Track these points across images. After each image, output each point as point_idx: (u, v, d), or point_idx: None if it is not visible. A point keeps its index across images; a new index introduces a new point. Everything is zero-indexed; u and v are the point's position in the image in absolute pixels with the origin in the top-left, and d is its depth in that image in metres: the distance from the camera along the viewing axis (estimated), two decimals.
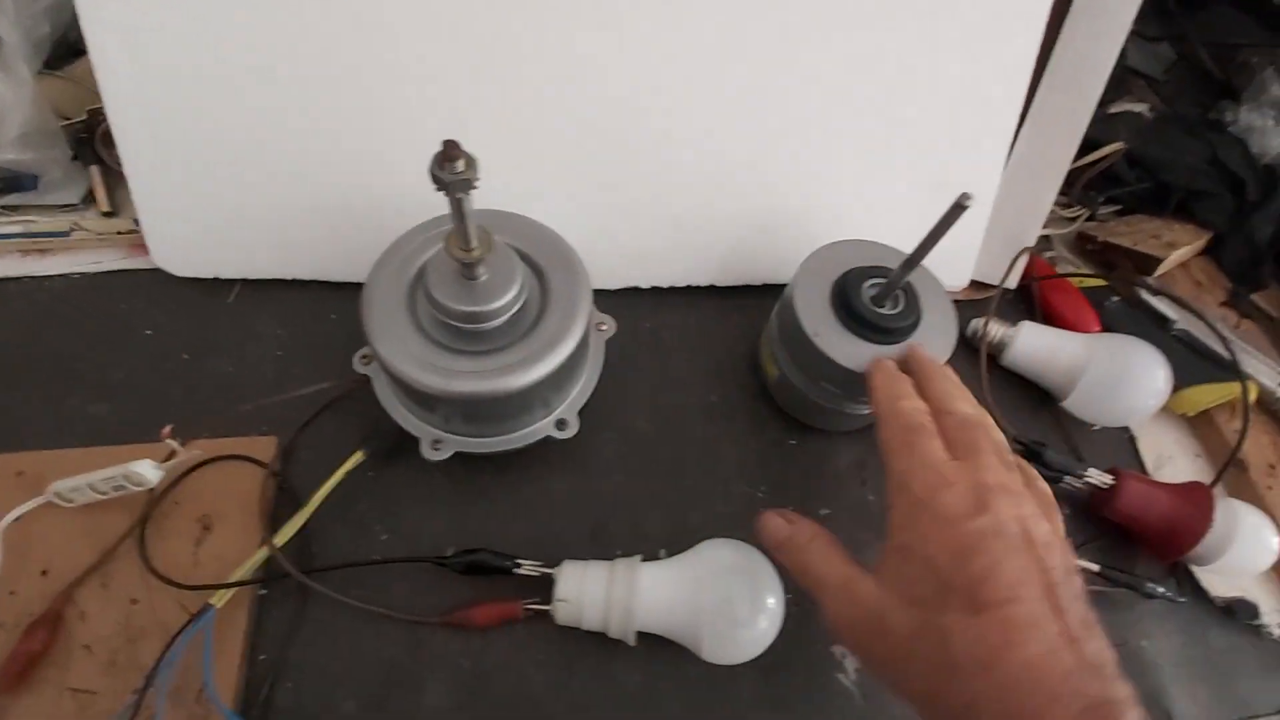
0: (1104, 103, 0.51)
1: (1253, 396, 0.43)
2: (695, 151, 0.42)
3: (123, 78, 0.38)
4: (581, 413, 0.38)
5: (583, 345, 0.35)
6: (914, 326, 0.36)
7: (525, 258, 0.35)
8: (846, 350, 0.35)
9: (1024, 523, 0.25)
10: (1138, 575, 0.37)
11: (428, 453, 0.35)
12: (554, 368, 0.33)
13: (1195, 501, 0.37)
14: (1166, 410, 0.45)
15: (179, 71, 0.38)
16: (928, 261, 0.38)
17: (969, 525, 0.24)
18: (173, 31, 0.37)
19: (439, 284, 0.32)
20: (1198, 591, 0.40)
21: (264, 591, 0.35)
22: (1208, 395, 0.43)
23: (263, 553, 0.33)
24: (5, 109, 0.38)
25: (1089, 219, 0.52)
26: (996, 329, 0.44)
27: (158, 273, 0.43)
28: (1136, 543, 0.40)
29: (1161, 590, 0.37)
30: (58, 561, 0.33)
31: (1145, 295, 0.47)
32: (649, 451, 0.41)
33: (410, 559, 0.35)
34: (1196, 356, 0.45)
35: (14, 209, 0.43)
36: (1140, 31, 0.58)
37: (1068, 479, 0.40)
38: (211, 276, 0.43)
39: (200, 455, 0.36)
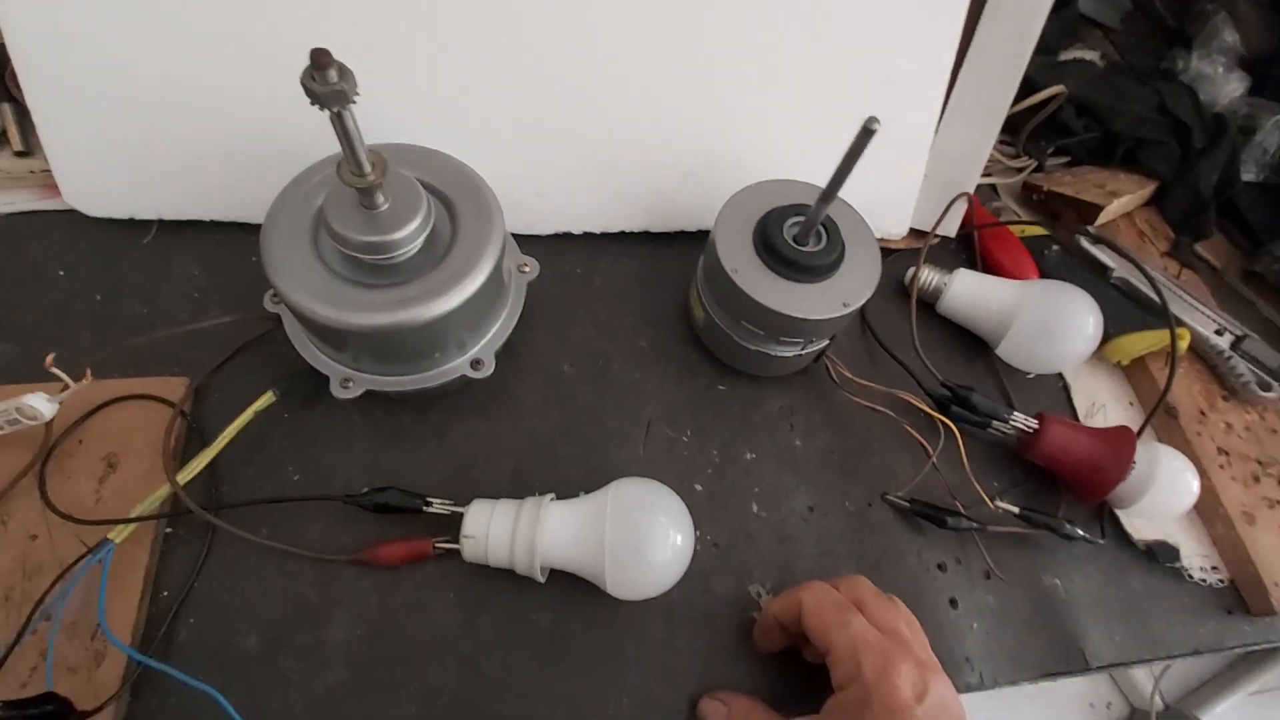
0: (1054, 50, 0.51)
1: (1185, 344, 0.43)
2: (624, 95, 0.41)
3: (22, 11, 0.36)
4: (502, 354, 0.37)
5: (495, 281, 0.34)
6: (836, 264, 0.36)
7: (433, 190, 0.34)
8: (766, 288, 0.35)
9: (952, 700, 0.27)
10: (1059, 518, 0.37)
11: (337, 391, 0.34)
12: (461, 301, 0.32)
13: (1117, 445, 0.37)
14: (1101, 358, 0.45)
15: (89, 11, 0.36)
16: (859, 204, 0.38)
17: (919, 711, 0.26)
18: None
19: (338, 215, 0.31)
20: (1121, 535, 0.40)
21: (169, 530, 0.34)
22: (1140, 343, 0.43)
23: (165, 489, 0.33)
24: None
25: (1036, 169, 0.52)
26: (930, 275, 0.44)
27: (73, 214, 0.42)
28: (1061, 486, 0.40)
29: (1079, 532, 0.37)
30: None
31: (1085, 244, 0.46)
32: (573, 395, 0.40)
33: (319, 497, 0.35)
34: (1132, 305, 0.44)
35: None
36: None
37: (995, 424, 0.39)
38: (127, 217, 0.42)
39: (106, 394, 0.35)
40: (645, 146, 0.43)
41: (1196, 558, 0.39)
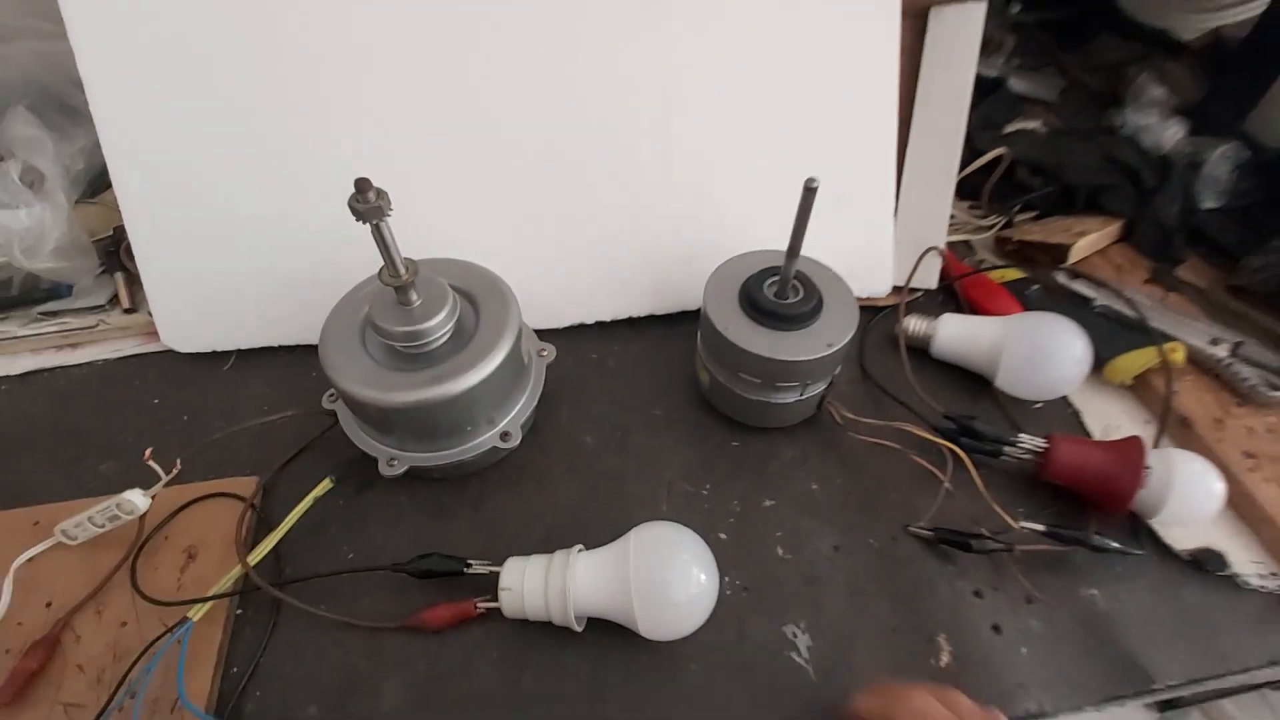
0: (999, 125, 0.57)
1: (1181, 356, 0.44)
2: (620, 198, 0.48)
3: (137, 200, 0.46)
4: (529, 433, 0.41)
5: (514, 361, 0.39)
6: (815, 312, 0.40)
7: (458, 289, 0.40)
8: (755, 339, 0.39)
9: None
10: (1089, 531, 0.37)
11: (384, 469, 0.39)
12: (484, 376, 0.37)
13: (1128, 453, 0.38)
14: (1105, 382, 0.46)
15: (183, 196, 0.46)
16: (843, 269, 0.42)
17: None
18: (176, 160, 0.46)
19: (380, 312, 0.37)
20: (1162, 549, 0.39)
21: (240, 611, 0.37)
22: (1135, 361, 0.44)
23: (237, 570, 0.36)
24: (45, 230, 0.47)
25: (1006, 225, 0.56)
26: (918, 323, 0.47)
27: (167, 353, 0.50)
28: (1088, 506, 0.40)
29: (1112, 543, 0.37)
30: (59, 593, 0.37)
31: (1062, 280, 0.49)
32: (595, 463, 0.43)
33: (369, 568, 0.38)
34: (1120, 328, 0.46)
35: (52, 314, 0.51)
36: (1025, 64, 0.65)
37: (1007, 450, 0.41)
38: (210, 350, 0.49)
39: (188, 495, 0.40)
40: (642, 240, 0.49)
41: (1250, 564, 0.38)
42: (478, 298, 0.41)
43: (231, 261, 0.48)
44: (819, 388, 0.42)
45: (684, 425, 0.45)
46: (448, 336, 0.38)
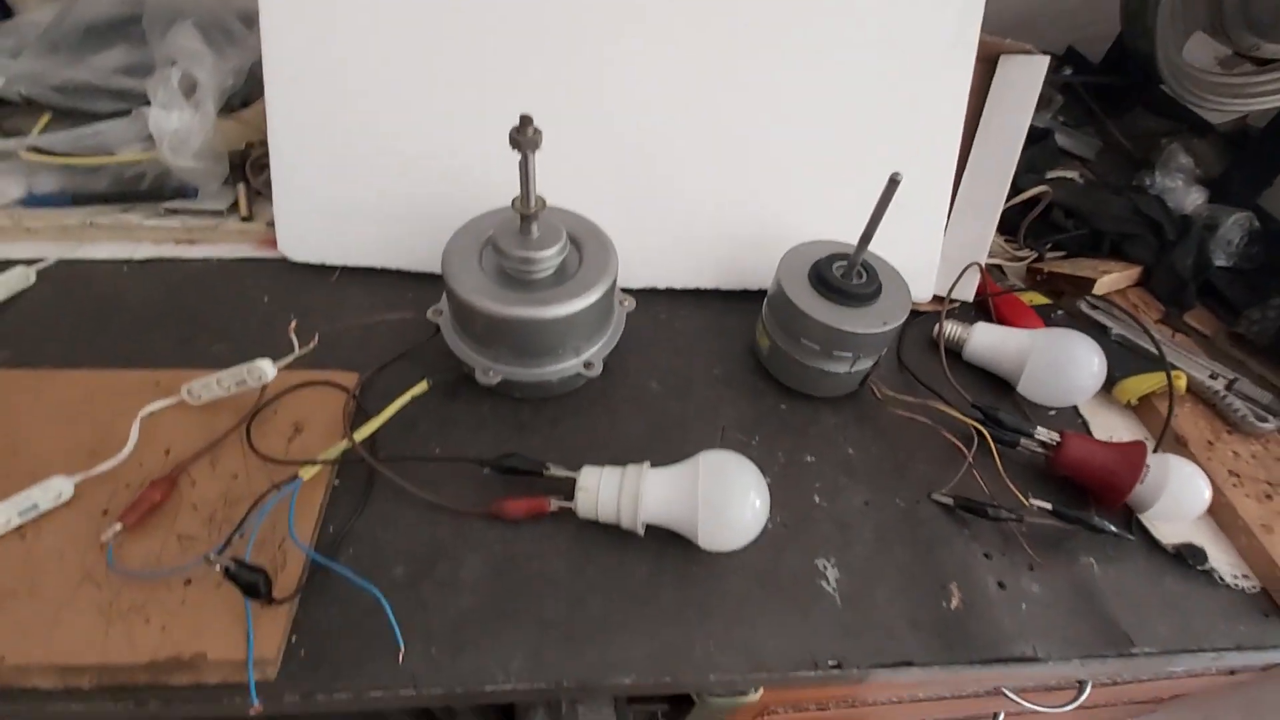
0: (1041, 170, 0.64)
1: (1182, 384, 0.50)
2: (706, 182, 0.54)
3: (284, 113, 0.52)
4: (603, 373, 0.46)
5: (606, 301, 0.45)
6: (875, 295, 0.45)
7: (571, 234, 0.46)
8: (821, 310, 0.44)
9: None
10: (1090, 513, 0.42)
11: (481, 377, 0.44)
12: (581, 308, 0.42)
13: (1131, 454, 0.43)
14: (1113, 400, 0.52)
15: (326, 115, 0.52)
16: (893, 260, 0.48)
17: None
18: (328, 81, 0.51)
19: (503, 237, 0.42)
20: (1151, 541, 0.44)
21: (338, 482, 0.42)
22: (1143, 384, 0.50)
23: (342, 444, 0.41)
24: (192, 133, 0.52)
25: (1037, 260, 0.62)
26: (954, 327, 0.53)
27: (280, 261, 0.54)
28: (1088, 497, 0.45)
29: (1110, 526, 0.42)
30: (178, 444, 0.41)
31: (1085, 309, 0.55)
32: (659, 405, 0.48)
33: (459, 459, 0.43)
34: (1132, 355, 0.52)
35: (174, 212, 0.56)
36: (1068, 122, 0.72)
37: (1024, 442, 0.46)
38: (320, 262, 0.54)
39: (298, 380, 0.45)
40: (719, 221, 0.55)
41: (1226, 565, 0.43)
42: (583, 244, 0.46)
43: (356, 183, 0.53)
44: (867, 364, 0.47)
45: (739, 385, 0.50)
46: (554, 269, 0.44)
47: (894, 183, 0.39)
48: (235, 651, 0.33)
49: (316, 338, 0.42)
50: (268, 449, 0.42)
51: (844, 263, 0.46)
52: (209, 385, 0.42)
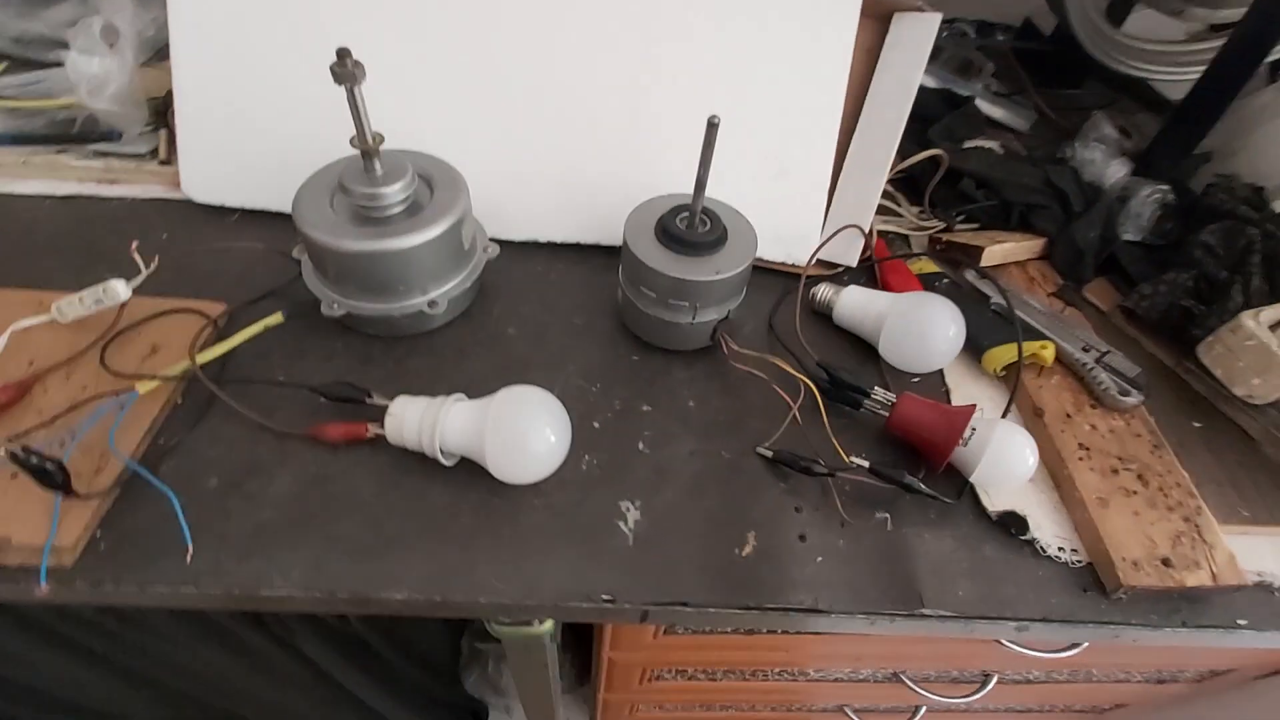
0: (960, 139, 0.62)
1: (1049, 355, 0.48)
2: (588, 135, 0.55)
3: (188, 60, 0.55)
4: (462, 317, 0.48)
5: (454, 240, 0.46)
6: (716, 245, 0.45)
7: (421, 175, 0.47)
8: (656, 257, 0.45)
9: None
10: (905, 474, 0.41)
11: (325, 310, 0.46)
12: (421, 242, 0.44)
13: (955, 415, 0.42)
14: (982, 372, 0.50)
15: (227, 63, 0.55)
16: (774, 233, 0.48)
17: None
18: (228, 32, 0.54)
19: (349, 175, 0.44)
20: (979, 509, 0.43)
21: (179, 401, 0.44)
22: (1007, 353, 0.48)
23: (185, 363, 0.43)
24: (109, 77, 0.55)
25: (945, 229, 0.60)
26: (825, 290, 0.52)
27: (186, 202, 0.58)
28: (920, 457, 0.44)
29: (924, 487, 0.41)
30: (41, 357, 0.45)
31: (971, 278, 0.53)
32: (510, 350, 0.49)
33: (291, 384, 0.45)
34: (1005, 324, 0.50)
35: (103, 154, 0.60)
36: (1003, 92, 0.69)
37: (866, 403, 0.45)
38: (220, 204, 0.57)
39: (164, 306, 0.48)
40: (603, 175, 0.55)
41: (1054, 537, 0.41)
42: (435, 183, 0.47)
43: (255, 128, 0.56)
44: (710, 315, 0.47)
45: (597, 335, 0.51)
46: (402, 207, 0.45)
47: (712, 126, 0.39)
48: (38, 538, 0.36)
49: (156, 259, 0.45)
50: (121, 366, 0.45)
51: (687, 213, 0.46)
52: (73, 303, 0.45)
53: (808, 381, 0.44)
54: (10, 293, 0.48)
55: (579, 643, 0.99)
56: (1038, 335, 0.49)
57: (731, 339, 0.48)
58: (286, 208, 0.56)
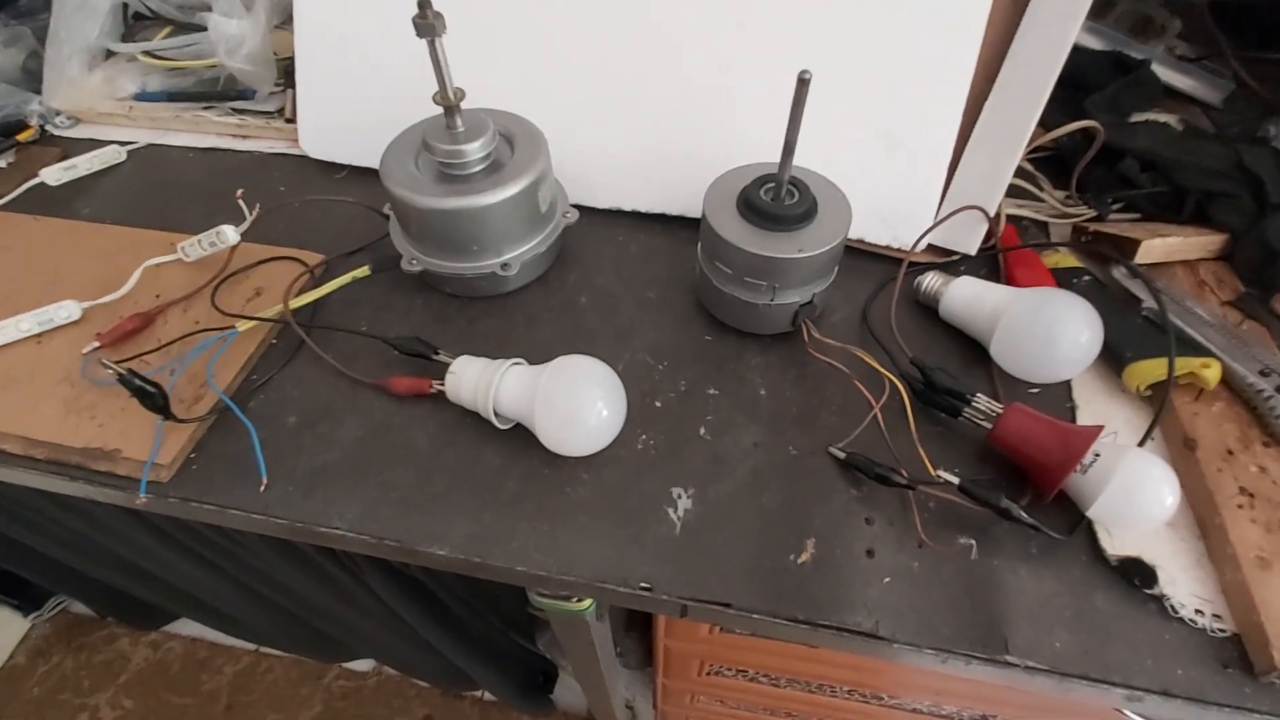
0: (1127, 111, 0.52)
1: (1214, 376, 0.39)
2: (680, 102, 0.52)
3: (310, 28, 0.58)
4: (537, 282, 0.48)
5: (529, 202, 0.45)
6: (802, 220, 0.41)
7: (503, 133, 0.46)
8: (734, 230, 0.41)
9: None
10: (1004, 498, 0.35)
11: (405, 265, 0.47)
12: (494, 202, 0.43)
13: (1075, 435, 0.35)
14: (1122, 388, 0.42)
15: (345, 27, 0.57)
16: (878, 209, 0.43)
17: None
18: (342, 9, 0.56)
19: (431, 132, 0.44)
20: (1096, 547, 0.36)
21: (275, 341, 0.47)
22: (1156, 369, 0.40)
23: (279, 307, 0.46)
24: (245, 37, 0.60)
25: (1095, 219, 0.51)
26: (934, 280, 0.46)
27: (303, 158, 0.61)
28: (1024, 479, 0.38)
29: (1025, 516, 0.35)
30: (167, 291, 0.49)
31: (1120, 277, 0.45)
32: (580, 319, 0.48)
33: (368, 335, 0.46)
34: (1156, 332, 0.42)
35: (238, 111, 0.65)
36: (1190, 56, 0.57)
37: (966, 410, 0.39)
38: (331, 160, 0.60)
39: (268, 253, 0.51)
40: (693, 144, 0.52)
41: (1191, 596, 0.34)
42: (516, 141, 0.47)
43: (362, 89, 0.58)
44: (791, 297, 0.43)
45: (670, 311, 0.48)
46: (483, 165, 0.45)
47: (802, 83, 0.35)
48: (144, 453, 0.40)
49: (258, 207, 0.47)
50: (228, 304, 0.48)
51: (773, 184, 0.42)
52: (193, 245, 0.50)
53: (894, 379, 0.39)
54: (148, 233, 0.54)
55: (646, 622, 0.99)
56: (1199, 350, 0.40)
57: (814, 326, 0.44)
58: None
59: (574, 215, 0.49)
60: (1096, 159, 0.51)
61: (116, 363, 0.38)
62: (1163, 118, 0.52)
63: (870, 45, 0.47)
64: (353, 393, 0.44)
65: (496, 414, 0.40)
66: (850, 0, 0.47)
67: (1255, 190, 0.46)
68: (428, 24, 0.38)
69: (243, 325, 0.45)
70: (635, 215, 0.55)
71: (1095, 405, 0.42)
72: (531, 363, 0.42)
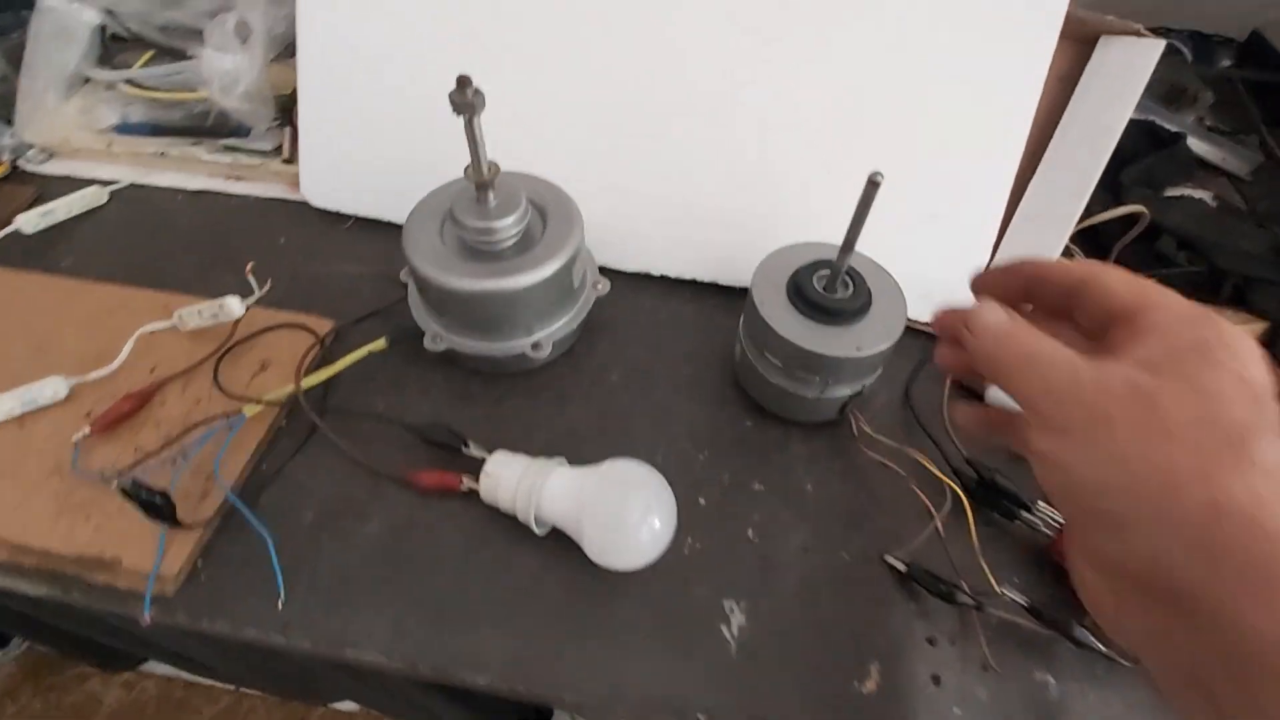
0: (1160, 185, 0.52)
1: None
2: (714, 166, 0.49)
3: (314, 62, 0.54)
4: (565, 356, 0.45)
5: (564, 280, 0.42)
6: (859, 314, 0.39)
7: (535, 203, 0.43)
8: (786, 322, 0.39)
9: None
10: (1074, 622, 0.34)
11: (428, 343, 0.44)
12: (529, 284, 0.40)
13: None
14: None
15: (353, 67, 0.53)
16: (924, 286, 0.41)
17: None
18: (356, 32, 0.52)
19: (459, 205, 0.41)
20: None
21: (284, 423, 0.44)
22: None
23: (290, 387, 0.43)
24: (240, 73, 0.55)
25: None
26: None
27: (304, 204, 0.57)
28: None
29: (1098, 644, 0.34)
30: (163, 364, 0.45)
31: None
32: (612, 399, 0.46)
33: (390, 420, 0.43)
34: None
35: (231, 149, 0.60)
36: (1218, 127, 0.57)
37: (1024, 515, 0.38)
38: (337, 210, 0.56)
39: (276, 320, 0.47)
40: (726, 210, 0.50)
41: None
42: (549, 214, 0.44)
43: (375, 137, 0.54)
44: (842, 390, 0.41)
45: (707, 392, 0.46)
46: (514, 240, 0.42)
47: (873, 185, 0.33)
48: (146, 563, 0.36)
49: (270, 282, 0.44)
50: (232, 381, 0.45)
51: (828, 271, 0.40)
52: (193, 314, 0.46)
53: (954, 488, 0.38)
54: (140, 292, 0.50)
55: None
56: None
57: (862, 416, 0.42)
58: (400, 218, 0.55)
59: (605, 286, 0.47)
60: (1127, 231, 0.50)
61: (114, 460, 0.35)
62: (1198, 194, 0.52)
63: (920, 122, 0.46)
64: (374, 485, 0.41)
65: (536, 520, 0.37)
66: (901, 77, 0.45)
67: None
68: (466, 102, 0.35)
69: (250, 410, 0.42)
70: (664, 280, 0.52)
71: None
72: (567, 452, 0.40)
